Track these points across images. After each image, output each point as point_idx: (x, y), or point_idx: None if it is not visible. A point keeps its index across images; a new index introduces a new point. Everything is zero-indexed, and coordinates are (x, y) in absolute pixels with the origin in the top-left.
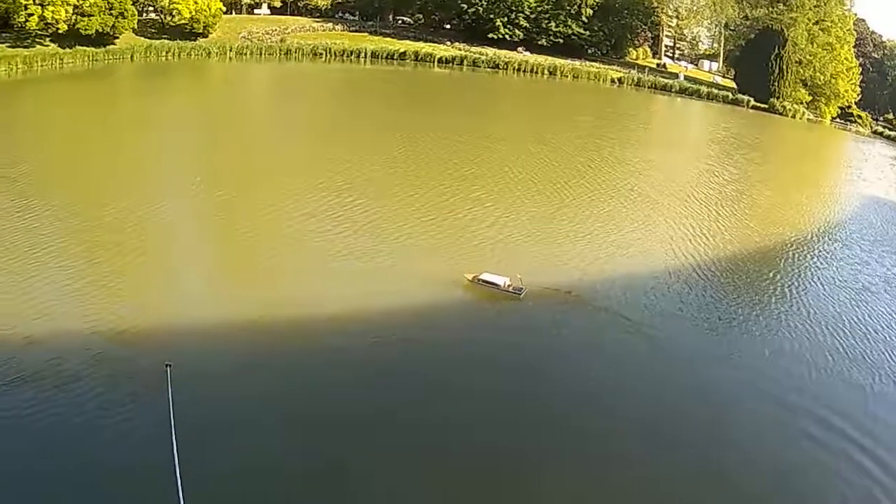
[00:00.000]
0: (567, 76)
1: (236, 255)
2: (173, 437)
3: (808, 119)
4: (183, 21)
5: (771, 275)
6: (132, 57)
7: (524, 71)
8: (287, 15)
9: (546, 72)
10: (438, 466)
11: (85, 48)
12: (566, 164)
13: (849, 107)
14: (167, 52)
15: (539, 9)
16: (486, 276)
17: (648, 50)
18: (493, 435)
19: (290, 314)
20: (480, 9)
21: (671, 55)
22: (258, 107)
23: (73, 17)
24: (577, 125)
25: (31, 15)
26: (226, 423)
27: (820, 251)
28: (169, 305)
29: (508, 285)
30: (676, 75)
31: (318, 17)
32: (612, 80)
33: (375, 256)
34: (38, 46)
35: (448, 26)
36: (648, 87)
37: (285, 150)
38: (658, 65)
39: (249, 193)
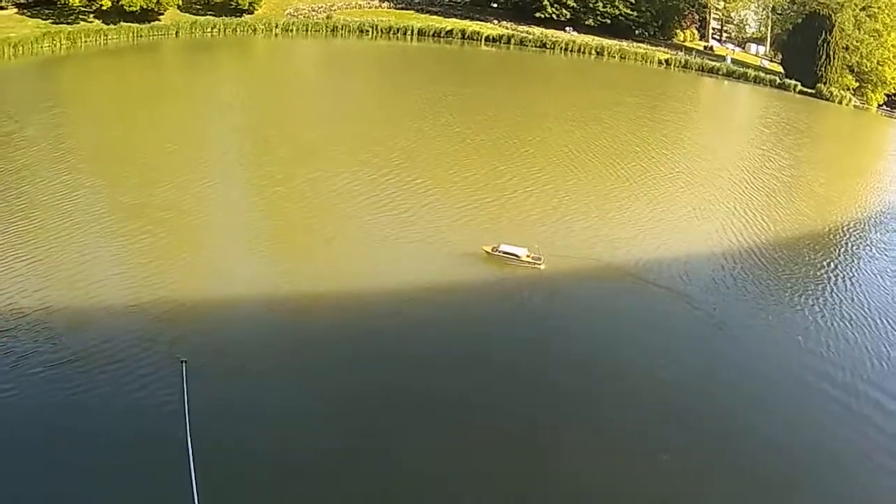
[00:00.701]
0: (614, 57)
1: (282, 232)
2: (188, 432)
3: (854, 106)
4: None
5: (827, 263)
6: (177, 33)
7: (571, 51)
8: None
9: (593, 52)
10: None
11: (129, 24)
12: (620, 144)
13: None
14: (212, 29)
15: None
16: (505, 248)
17: (696, 32)
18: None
19: (344, 289)
20: None
21: (718, 38)
22: (306, 83)
23: None
24: (627, 105)
25: None
26: (268, 400)
27: (875, 241)
28: (214, 285)
29: (528, 255)
30: (723, 58)
31: None
32: (660, 62)
33: (423, 230)
34: (82, 23)
35: (495, 4)
36: (696, 70)
37: (331, 126)
38: (705, 47)
39: (294, 169)
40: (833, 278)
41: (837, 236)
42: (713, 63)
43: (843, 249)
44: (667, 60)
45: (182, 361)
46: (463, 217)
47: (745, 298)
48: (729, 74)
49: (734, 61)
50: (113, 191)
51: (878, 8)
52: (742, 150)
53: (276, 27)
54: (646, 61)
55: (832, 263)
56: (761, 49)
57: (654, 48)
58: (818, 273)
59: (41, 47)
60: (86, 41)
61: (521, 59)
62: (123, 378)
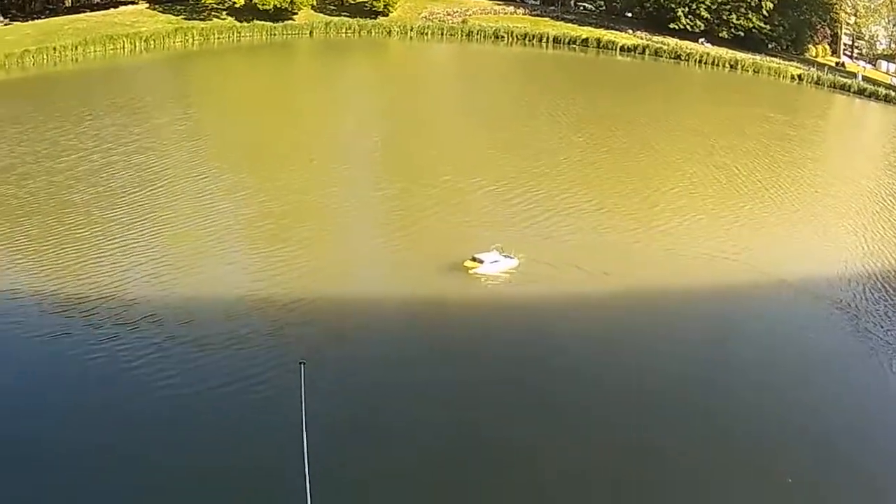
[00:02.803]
0: (748, 70)
1: (418, 236)
2: (304, 437)
3: None
4: None
5: None
6: (311, 33)
7: (705, 63)
8: None
9: (727, 65)
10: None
11: (263, 22)
12: (765, 161)
13: None
14: (347, 29)
15: (720, 0)
16: (480, 256)
17: (827, 47)
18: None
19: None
20: None
21: (849, 54)
22: (443, 88)
23: None
24: (770, 121)
25: None
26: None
27: None
28: (336, 277)
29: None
30: (854, 75)
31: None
32: (792, 77)
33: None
34: (215, 20)
35: (629, 14)
36: (827, 86)
37: (459, 131)
38: (836, 63)
39: (419, 173)
40: None
41: None
42: (844, 80)
43: None
44: (800, 76)
45: (301, 363)
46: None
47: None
48: (860, 92)
49: (865, 78)
50: (237, 182)
51: None
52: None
53: (412, 30)
54: (779, 76)
55: None
56: (892, 67)
57: (786, 63)
58: None
59: (173, 42)
60: (219, 38)
61: (658, 69)
62: (244, 372)
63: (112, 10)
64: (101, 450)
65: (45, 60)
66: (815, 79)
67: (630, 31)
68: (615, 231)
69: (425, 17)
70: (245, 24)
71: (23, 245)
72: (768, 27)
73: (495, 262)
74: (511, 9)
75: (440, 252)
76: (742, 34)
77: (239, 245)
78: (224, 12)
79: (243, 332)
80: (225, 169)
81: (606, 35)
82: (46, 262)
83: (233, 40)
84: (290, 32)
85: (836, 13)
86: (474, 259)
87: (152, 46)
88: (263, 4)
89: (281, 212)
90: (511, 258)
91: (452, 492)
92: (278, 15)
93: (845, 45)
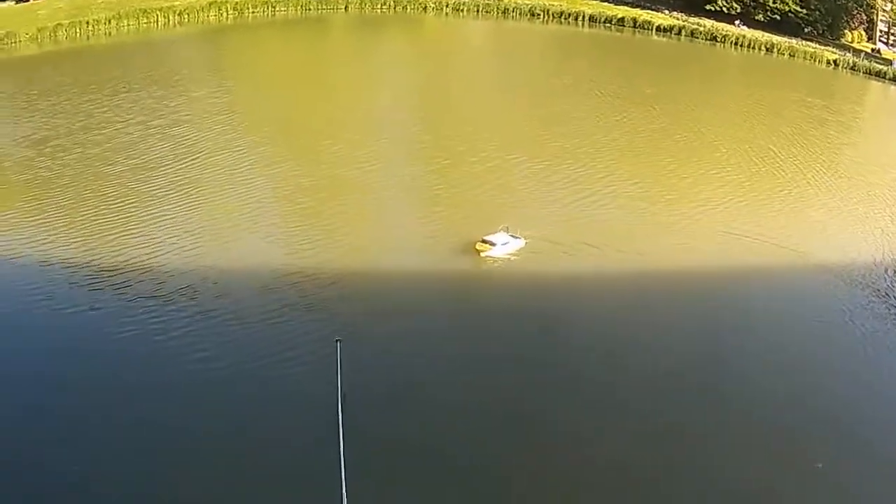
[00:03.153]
0: (784, 54)
1: (453, 212)
2: (339, 412)
3: None
4: None
5: None
6: (346, 7)
7: (741, 45)
8: None
9: (763, 48)
10: None
11: None
12: (803, 145)
13: None
14: (382, 5)
15: None
16: (491, 238)
17: (863, 33)
18: None
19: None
20: None
21: (885, 40)
22: (478, 65)
23: None
24: (807, 105)
25: None
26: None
27: None
28: (369, 253)
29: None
30: (891, 62)
31: None
32: (828, 62)
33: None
34: None
35: None
36: (863, 72)
37: (495, 108)
38: (872, 49)
39: (456, 149)
40: None
41: None
42: (880, 66)
43: None
44: (835, 61)
45: (337, 340)
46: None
47: None
48: (895, 79)
49: None
50: (287, 163)
51: None
52: None
53: (447, 6)
54: (814, 60)
55: None
56: None
57: (822, 47)
58: None
59: (207, 16)
60: (253, 12)
61: (694, 50)
62: (281, 347)
63: None
64: (137, 422)
65: (77, 34)
66: (851, 64)
67: (666, 12)
68: (652, 212)
69: None
70: None
71: (56, 216)
72: (804, 11)
73: (506, 243)
74: None
75: (472, 230)
76: (778, 17)
77: (273, 219)
78: None
79: (277, 306)
80: (260, 143)
81: (643, 15)
82: (79, 234)
83: (267, 15)
84: (324, 7)
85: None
86: (484, 241)
87: (186, 20)
88: None
89: (314, 186)
90: (518, 238)
91: (478, 460)
92: None
93: (881, 31)
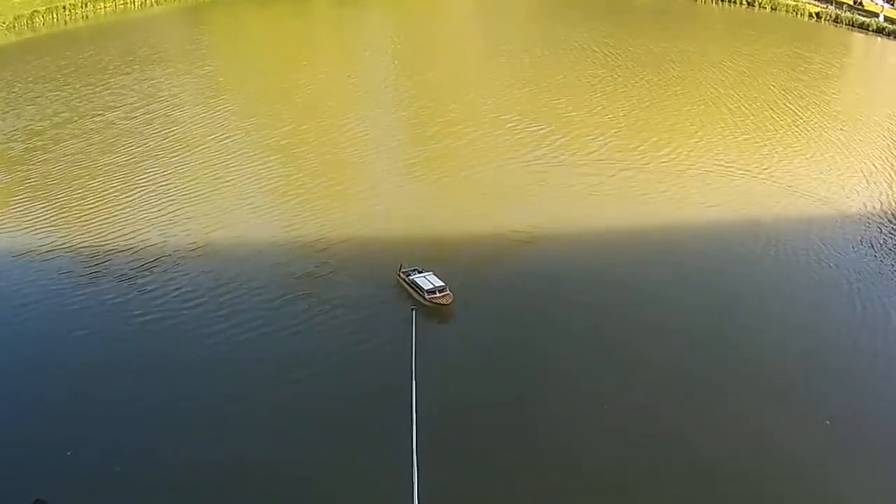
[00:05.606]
0: (765, 7)
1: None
2: (413, 376)
3: None
4: None
5: None
6: None
7: (722, 0)
8: None
9: (745, 2)
10: None
11: None
12: (796, 96)
13: None
14: None
15: None
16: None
17: None
18: None
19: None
20: None
21: None
22: (459, 29)
23: None
24: (800, 58)
25: None
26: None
27: None
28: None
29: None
30: (876, 14)
31: None
32: (810, 15)
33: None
34: None
35: None
36: (846, 24)
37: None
38: (855, 2)
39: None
40: None
41: None
42: (863, 18)
43: None
44: (818, 14)
45: (412, 309)
46: None
47: None
48: (878, 31)
49: (886, 18)
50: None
51: None
52: None
53: None
54: (796, 14)
55: None
56: None
57: (804, 0)
58: None
59: None
60: None
61: (675, 6)
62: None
63: None
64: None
65: (55, 20)
66: (834, 17)
67: None
68: (663, 159)
69: None
70: None
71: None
72: None
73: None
74: None
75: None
76: None
77: (269, 197)
78: None
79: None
80: (254, 117)
81: None
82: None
83: None
84: None
85: None
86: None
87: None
88: None
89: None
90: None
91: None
92: None
93: None
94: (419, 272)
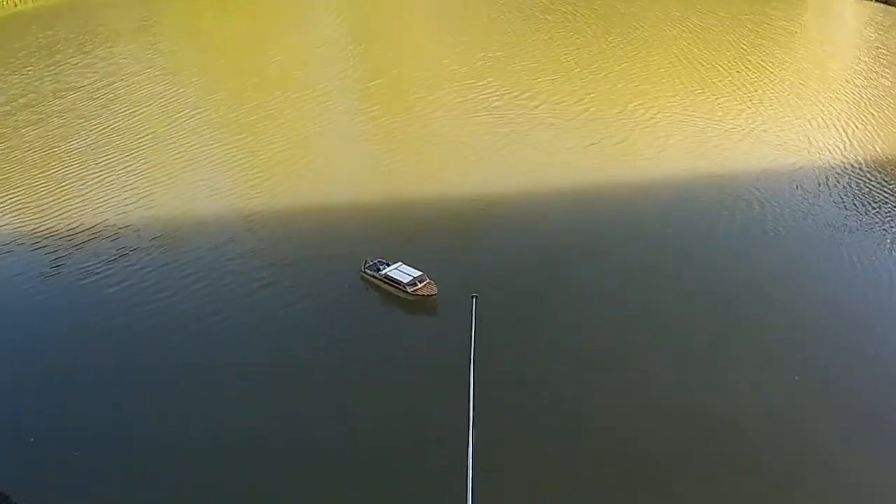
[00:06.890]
0: None
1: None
2: (472, 363)
3: None
4: None
5: None
6: None
7: None
8: None
9: None
10: None
11: None
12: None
13: None
14: None
15: None
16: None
17: None
18: None
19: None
20: None
21: None
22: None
23: None
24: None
25: None
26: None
27: None
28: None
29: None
30: None
31: None
32: None
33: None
34: None
35: None
36: None
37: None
38: None
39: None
40: None
41: None
42: None
43: None
44: None
45: (473, 296)
46: None
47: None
48: None
49: None
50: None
51: None
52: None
53: None
54: None
55: None
56: None
57: None
58: None
59: None
60: None
61: None
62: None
63: None
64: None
65: (4, 2)
66: None
67: None
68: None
69: None
70: None
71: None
72: None
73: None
74: None
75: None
76: None
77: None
78: None
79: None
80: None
81: None
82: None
83: None
84: None
85: None
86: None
87: None
88: None
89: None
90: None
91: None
92: None
93: None
94: (387, 264)
